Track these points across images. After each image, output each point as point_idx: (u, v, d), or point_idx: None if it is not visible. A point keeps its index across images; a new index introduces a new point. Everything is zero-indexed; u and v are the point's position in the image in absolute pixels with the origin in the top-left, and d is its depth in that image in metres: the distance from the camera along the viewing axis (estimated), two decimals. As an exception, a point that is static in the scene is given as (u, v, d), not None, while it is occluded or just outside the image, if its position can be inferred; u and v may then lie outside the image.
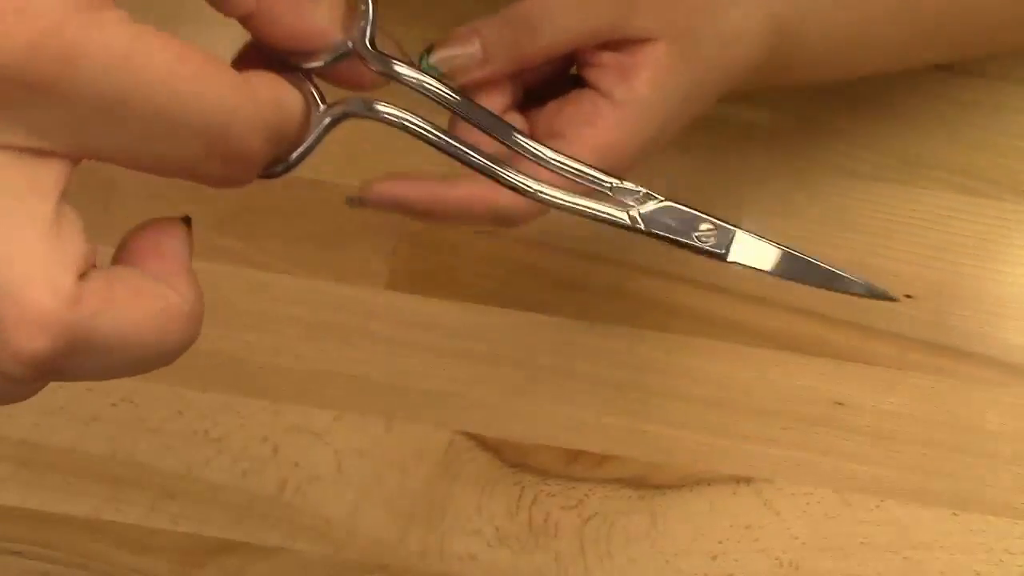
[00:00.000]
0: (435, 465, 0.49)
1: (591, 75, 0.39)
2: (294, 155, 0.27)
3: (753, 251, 0.33)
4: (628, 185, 0.32)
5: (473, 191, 0.37)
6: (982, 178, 0.56)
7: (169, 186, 0.56)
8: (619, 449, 0.50)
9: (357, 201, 0.39)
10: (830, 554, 0.48)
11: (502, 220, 0.39)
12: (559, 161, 0.31)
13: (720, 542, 0.48)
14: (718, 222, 0.32)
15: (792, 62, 0.43)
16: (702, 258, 0.32)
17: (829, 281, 0.34)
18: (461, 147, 0.28)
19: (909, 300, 0.53)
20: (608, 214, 0.31)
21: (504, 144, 0.31)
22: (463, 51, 0.38)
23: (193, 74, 0.22)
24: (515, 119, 0.39)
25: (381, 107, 0.28)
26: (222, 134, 0.23)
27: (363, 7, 0.28)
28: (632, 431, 0.50)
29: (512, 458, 0.50)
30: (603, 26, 0.38)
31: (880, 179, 0.56)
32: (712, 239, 0.33)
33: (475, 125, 0.31)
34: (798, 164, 0.56)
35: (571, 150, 0.37)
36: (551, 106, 0.39)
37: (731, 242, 0.33)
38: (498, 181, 0.29)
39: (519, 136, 0.31)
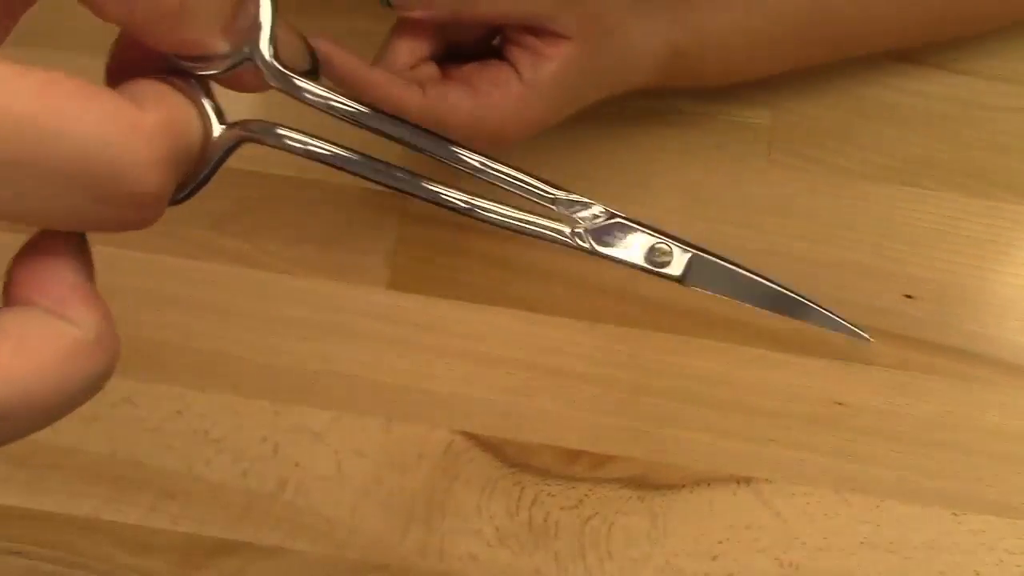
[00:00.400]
0: (435, 465, 0.49)
1: (510, 51, 0.45)
2: (188, 188, 0.24)
3: (716, 275, 0.31)
4: (572, 196, 0.30)
5: (379, 80, 0.42)
6: (982, 178, 0.56)
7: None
8: (619, 449, 0.50)
9: None
10: (830, 554, 0.48)
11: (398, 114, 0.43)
12: (495, 169, 0.29)
13: (720, 542, 0.48)
14: (673, 242, 0.30)
15: (690, 73, 0.51)
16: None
17: (798, 311, 0.31)
18: (381, 168, 0.26)
19: (909, 300, 0.53)
20: (551, 230, 0.29)
21: (434, 156, 0.29)
22: None
23: (59, 110, 0.18)
24: (430, 68, 0.45)
25: (284, 132, 0.26)
26: (108, 176, 0.19)
27: (254, 11, 0.25)
28: (632, 431, 0.50)
29: (512, 458, 0.50)
30: (534, 14, 0.44)
31: (880, 179, 0.56)
32: (667, 259, 0.31)
33: (394, 139, 0.29)
34: (798, 164, 0.56)
35: (478, 101, 0.43)
36: (471, 66, 0.45)
37: (689, 265, 0.30)
38: (427, 199, 0.27)
39: (453, 146, 0.29)
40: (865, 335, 0.32)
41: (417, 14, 0.43)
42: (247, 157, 0.55)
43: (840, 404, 0.51)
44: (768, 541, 0.48)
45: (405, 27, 0.45)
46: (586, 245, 0.29)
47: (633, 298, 0.53)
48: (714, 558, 0.48)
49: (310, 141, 0.26)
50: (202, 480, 0.49)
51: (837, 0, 0.51)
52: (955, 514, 0.49)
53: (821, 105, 0.57)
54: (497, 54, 0.46)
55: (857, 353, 0.52)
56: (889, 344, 0.52)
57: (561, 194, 0.29)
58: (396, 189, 0.27)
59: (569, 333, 0.52)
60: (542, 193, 0.29)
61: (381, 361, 0.51)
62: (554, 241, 0.29)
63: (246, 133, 0.25)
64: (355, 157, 0.26)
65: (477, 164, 0.29)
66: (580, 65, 0.46)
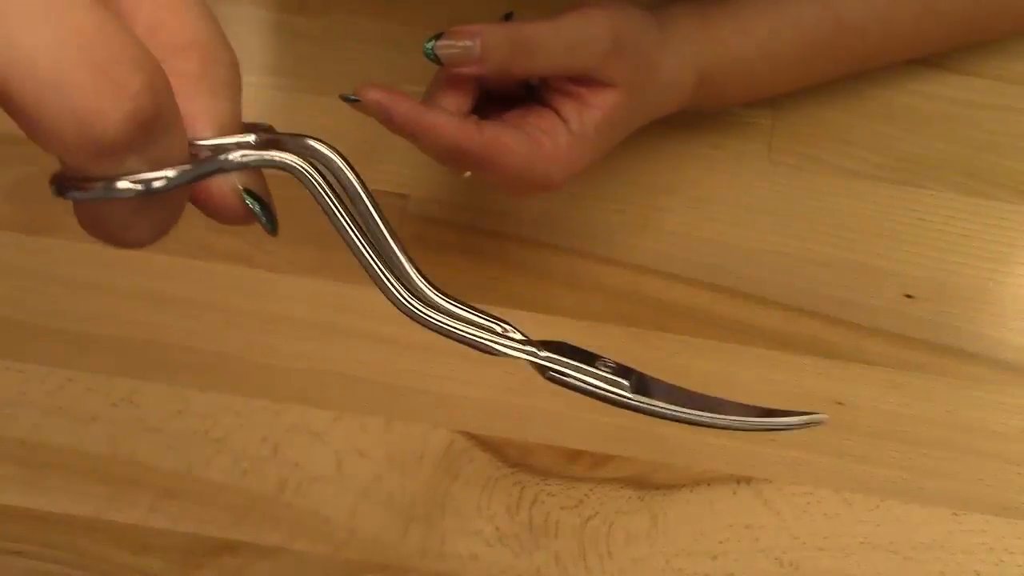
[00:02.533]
0: (435, 465, 0.49)
1: (555, 99, 0.45)
2: (156, 173, 0.23)
3: (660, 394, 0.30)
4: (517, 335, 0.30)
5: (440, 122, 0.42)
6: (982, 178, 0.56)
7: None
8: (619, 449, 0.50)
9: (350, 99, 0.42)
10: (830, 554, 0.48)
11: (450, 159, 0.44)
12: (445, 305, 0.29)
13: (720, 542, 0.48)
14: (615, 363, 0.30)
15: (715, 96, 0.52)
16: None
17: (747, 424, 0.30)
18: (353, 230, 0.27)
19: (909, 300, 0.53)
20: (492, 343, 0.29)
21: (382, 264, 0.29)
22: (465, 45, 0.42)
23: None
24: (473, 118, 0.44)
25: (279, 156, 0.26)
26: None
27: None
28: (632, 431, 0.50)
29: (512, 458, 0.50)
30: (582, 68, 0.44)
31: (880, 179, 0.56)
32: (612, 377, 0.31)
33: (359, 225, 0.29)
34: (798, 164, 0.56)
35: (530, 148, 0.44)
36: (515, 112, 0.46)
37: (634, 381, 0.30)
38: (382, 287, 0.27)
39: (412, 269, 0.29)
40: (821, 419, 0.30)
41: (469, 71, 0.43)
42: (247, 157, 0.55)
43: (840, 404, 0.51)
44: (768, 541, 0.48)
45: (448, 81, 0.44)
46: (537, 354, 0.30)
47: (633, 298, 0.53)
48: (714, 558, 0.48)
49: (312, 175, 0.26)
50: (202, 480, 0.49)
51: (859, 18, 0.52)
52: (955, 514, 0.49)
53: (821, 105, 0.57)
54: (530, 96, 0.46)
55: (857, 353, 0.52)
56: (889, 344, 0.52)
57: (504, 327, 0.30)
58: (357, 256, 0.28)
59: (569, 333, 0.52)
60: (486, 326, 0.30)
61: (381, 361, 0.51)
62: (491, 352, 0.30)
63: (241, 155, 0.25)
64: (341, 214, 0.27)
65: (422, 287, 0.30)
66: (623, 109, 0.46)
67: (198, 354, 0.51)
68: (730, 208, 0.55)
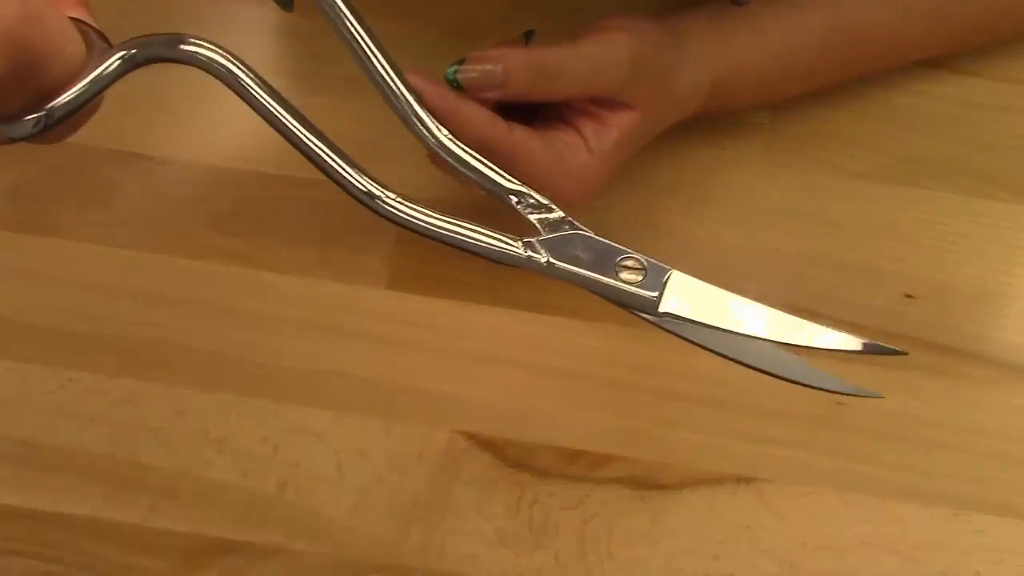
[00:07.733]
0: (435, 465, 0.49)
1: (574, 117, 0.46)
2: (59, 101, 0.21)
3: (695, 301, 0.24)
4: (538, 197, 0.26)
5: (473, 112, 0.42)
6: (982, 178, 0.56)
7: (170, 185, 0.56)
8: (619, 449, 0.50)
9: None
10: (830, 554, 0.48)
11: (483, 149, 0.43)
12: (457, 154, 0.25)
13: (720, 542, 0.48)
14: (648, 260, 0.24)
15: (725, 102, 0.52)
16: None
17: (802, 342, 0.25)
18: (295, 126, 0.23)
19: (909, 300, 0.53)
20: (502, 245, 0.24)
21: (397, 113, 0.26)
22: (487, 70, 0.42)
23: None
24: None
25: (193, 47, 0.21)
26: None
27: None
28: (632, 431, 0.50)
29: (512, 458, 0.50)
30: (603, 92, 0.45)
31: (880, 179, 0.56)
32: (639, 279, 0.24)
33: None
34: (798, 164, 0.56)
35: (554, 157, 0.43)
36: (537, 127, 0.45)
37: (665, 285, 0.24)
38: (345, 188, 0.24)
39: (417, 107, 0.25)
40: (876, 393, 0.26)
41: (491, 96, 0.43)
42: (246, 157, 0.55)
43: (840, 404, 0.51)
44: (768, 541, 0.48)
45: (468, 98, 0.43)
46: (542, 262, 0.24)
47: (633, 298, 0.53)
48: (714, 558, 0.48)
49: (228, 64, 0.22)
50: (202, 480, 0.49)
51: (870, 24, 0.52)
52: (955, 514, 0.49)
53: (821, 105, 0.57)
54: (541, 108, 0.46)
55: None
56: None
57: (519, 188, 0.26)
58: (310, 160, 0.24)
59: (569, 333, 0.52)
60: (498, 184, 0.26)
61: (381, 361, 0.51)
62: (503, 259, 0.24)
63: (143, 49, 0.22)
64: (272, 105, 0.23)
65: (436, 136, 0.26)
66: (639, 127, 0.47)
67: (198, 354, 0.51)
68: (730, 208, 0.55)
